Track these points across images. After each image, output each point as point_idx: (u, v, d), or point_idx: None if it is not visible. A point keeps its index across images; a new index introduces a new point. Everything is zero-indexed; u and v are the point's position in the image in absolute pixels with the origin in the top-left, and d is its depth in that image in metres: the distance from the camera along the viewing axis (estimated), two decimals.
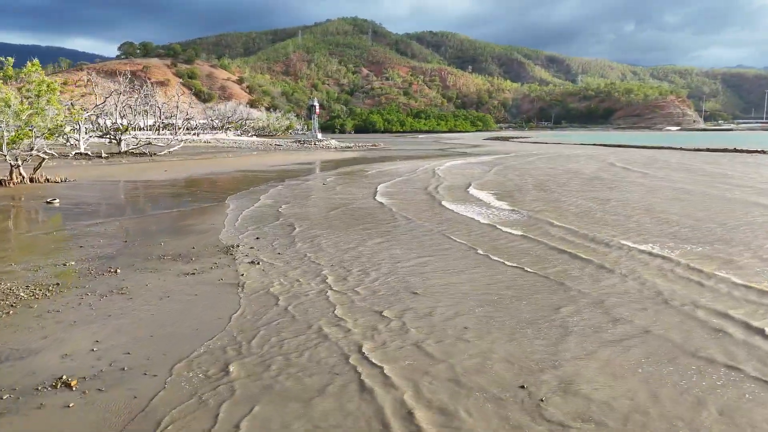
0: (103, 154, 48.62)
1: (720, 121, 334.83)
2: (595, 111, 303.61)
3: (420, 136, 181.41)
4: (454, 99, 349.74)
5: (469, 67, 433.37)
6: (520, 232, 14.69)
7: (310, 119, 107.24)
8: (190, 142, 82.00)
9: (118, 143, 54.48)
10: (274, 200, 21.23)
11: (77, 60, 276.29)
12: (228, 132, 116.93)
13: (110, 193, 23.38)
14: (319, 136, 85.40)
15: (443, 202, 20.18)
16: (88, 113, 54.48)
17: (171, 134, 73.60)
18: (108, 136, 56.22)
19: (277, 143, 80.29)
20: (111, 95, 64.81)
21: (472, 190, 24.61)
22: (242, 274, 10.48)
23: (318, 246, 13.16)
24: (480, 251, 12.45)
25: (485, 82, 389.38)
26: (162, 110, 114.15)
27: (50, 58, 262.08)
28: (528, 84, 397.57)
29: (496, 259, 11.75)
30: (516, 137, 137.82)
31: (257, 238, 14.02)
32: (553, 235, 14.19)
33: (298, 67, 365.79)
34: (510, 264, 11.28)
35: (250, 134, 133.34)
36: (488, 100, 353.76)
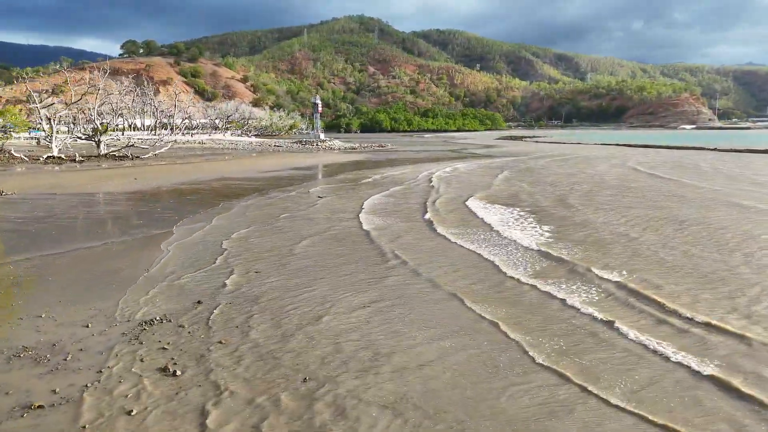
0: (78, 158, 43.68)
1: (734, 119, 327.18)
2: (607, 109, 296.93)
3: (428, 135, 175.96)
4: (462, 97, 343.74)
5: (477, 65, 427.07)
6: (591, 309, 9.01)
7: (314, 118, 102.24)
8: (184, 143, 77.03)
9: (97, 145, 49.55)
10: (231, 224, 16.24)
11: (78, 59, 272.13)
12: (226, 132, 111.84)
13: (43, 212, 18.28)
14: (322, 136, 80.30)
15: (452, 238, 14.71)
16: (62, 113, 49.54)
17: (164, 134, 68.56)
18: (89, 138, 51.27)
19: (277, 144, 75.24)
20: (96, 95, 59.74)
21: (489, 214, 19.07)
22: None
23: (245, 335, 7.79)
24: (539, 358, 7.04)
25: (493, 80, 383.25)
26: (159, 109, 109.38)
27: (57, 58, 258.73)
28: (537, 82, 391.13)
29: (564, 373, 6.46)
30: (528, 137, 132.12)
31: (142, 328, 8.01)
32: (641, 312, 8.92)
33: (304, 65, 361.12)
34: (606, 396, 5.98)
35: (251, 134, 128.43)
36: (497, 99, 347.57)
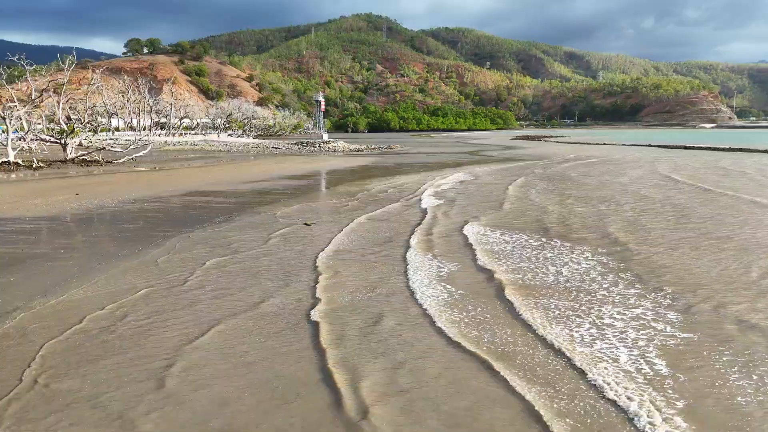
0: (35, 164, 37.21)
1: (752, 118, 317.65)
2: (622, 108, 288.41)
3: (438, 135, 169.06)
4: (471, 96, 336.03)
5: (487, 63, 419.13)
6: None
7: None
8: (175, 145, 70.56)
9: (64, 148, 43.08)
10: (109, 291, 9.59)
11: (84, 59, 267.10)
12: (222, 133, 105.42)
13: None
14: (325, 136, 73.57)
15: (466, 343, 7.78)
16: (20, 112, 43.11)
17: (142, 135, 62.33)
18: (56, 140, 44.82)
19: (275, 145, 68.59)
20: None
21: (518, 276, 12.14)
22: None
23: None
24: None
25: (504, 78, 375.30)
26: (154, 108, 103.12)
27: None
28: (548, 80, 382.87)
29: None
30: (546, 136, 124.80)
31: None
32: None
33: (311, 64, 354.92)
34: None
35: (252, 135, 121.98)
36: (507, 97, 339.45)
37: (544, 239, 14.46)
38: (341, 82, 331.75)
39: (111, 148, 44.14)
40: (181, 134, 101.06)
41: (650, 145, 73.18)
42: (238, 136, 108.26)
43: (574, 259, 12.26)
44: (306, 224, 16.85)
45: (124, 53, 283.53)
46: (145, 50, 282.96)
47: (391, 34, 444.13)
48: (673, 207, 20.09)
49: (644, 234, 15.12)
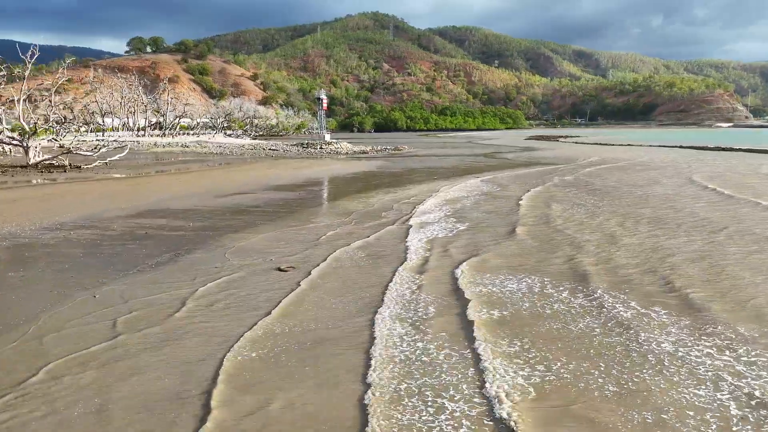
0: None
1: (767, 117, 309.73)
2: (634, 106, 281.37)
3: (447, 134, 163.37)
4: (480, 95, 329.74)
5: (495, 61, 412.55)
6: None
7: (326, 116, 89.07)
8: (164, 146, 65.39)
9: (26, 152, 37.92)
10: None
11: (86, 58, 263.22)
12: (217, 133, 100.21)
13: None
14: (328, 137, 68.11)
15: None
16: None
17: (109, 137, 57.31)
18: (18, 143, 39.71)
19: (273, 147, 63.25)
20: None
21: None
22: None
23: None
24: None
25: (513, 77, 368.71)
26: (149, 107, 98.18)
27: (73, 58, 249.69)
28: (558, 79, 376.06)
29: None
30: (562, 136, 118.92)
31: None
32: None
33: (317, 63, 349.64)
34: None
35: (252, 135, 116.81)
36: (516, 96, 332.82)
37: (586, 300, 9.11)
38: (347, 81, 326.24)
39: (80, 152, 38.88)
40: (178, 134, 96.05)
41: (681, 146, 67.24)
42: (237, 137, 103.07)
43: (653, 353, 6.91)
44: (280, 269, 11.50)
45: (126, 52, 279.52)
46: (149, 49, 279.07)
47: (397, 32, 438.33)
48: (752, 238, 14.62)
49: (739, 290, 9.72)
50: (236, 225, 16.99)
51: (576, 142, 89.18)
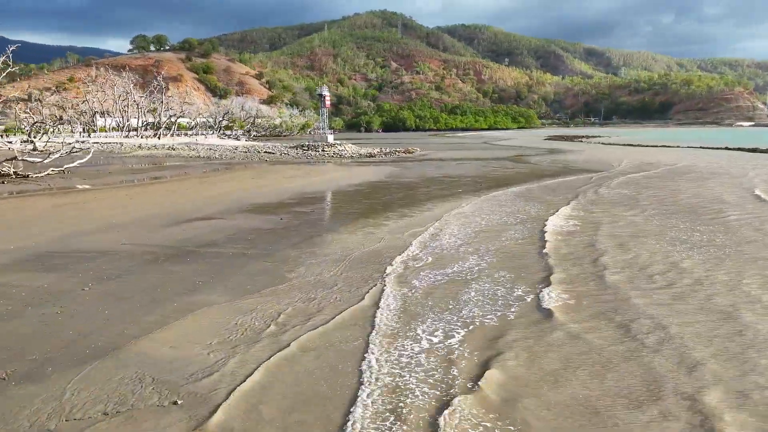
0: None
1: None
2: (650, 105, 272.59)
3: (459, 134, 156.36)
4: (490, 93, 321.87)
5: (506, 59, 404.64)
6: None
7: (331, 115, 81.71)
8: (151, 149, 59.01)
9: None
10: None
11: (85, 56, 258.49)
12: (210, 135, 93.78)
13: None
14: (330, 138, 61.44)
15: None
16: None
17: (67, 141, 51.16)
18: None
19: (270, 149, 56.66)
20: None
21: None
22: None
23: None
24: None
25: (523, 75, 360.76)
26: (143, 106, 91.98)
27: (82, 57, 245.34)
28: (570, 77, 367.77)
29: None
30: (580, 136, 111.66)
31: None
32: None
33: (324, 61, 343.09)
34: None
35: (252, 135, 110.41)
36: (528, 95, 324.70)
37: None
38: (355, 79, 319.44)
39: (26, 158, 32.41)
40: (175, 135, 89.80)
41: (726, 148, 60.03)
42: (235, 138, 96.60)
43: None
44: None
45: (129, 50, 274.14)
46: (152, 48, 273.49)
47: (406, 30, 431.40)
48: None
49: None
50: (158, 292, 10.37)
51: (601, 143, 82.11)
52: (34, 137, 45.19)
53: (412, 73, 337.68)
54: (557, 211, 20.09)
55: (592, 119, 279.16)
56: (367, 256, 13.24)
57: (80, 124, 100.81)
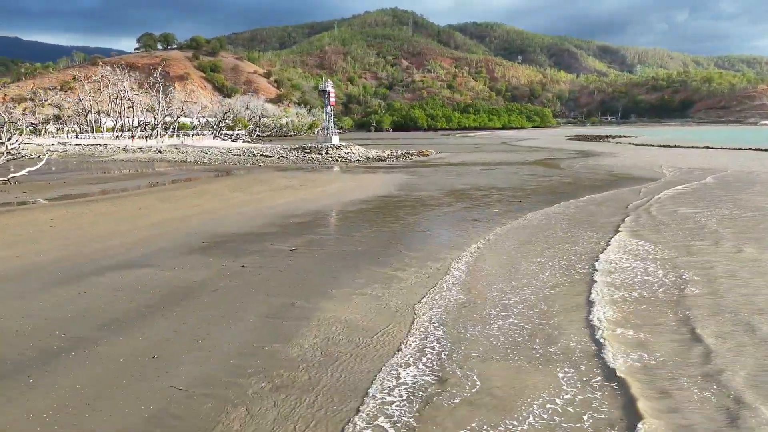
0: None
1: None
2: (669, 103, 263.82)
3: (472, 134, 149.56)
4: (503, 92, 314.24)
5: (519, 57, 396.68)
6: None
7: (336, 113, 74.83)
8: (135, 151, 53.20)
9: None
10: None
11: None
12: (207, 135, 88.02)
13: None
14: (335, 139, 55.21)
15: None
16: None
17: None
18: None
19: (267, 152, 50.52)
20: None
21: None
22: None
23: None
24: None
25: (537, 73, 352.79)
26: (137, 106, 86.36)
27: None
28: (585, 75, 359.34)
29: None
30: (603, 136, 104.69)
31: None
32: None
33: (333, 60, 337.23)
34: None
35: (254, 136, 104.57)
36: (542, 93, 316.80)
37: None
38: (365, 78, 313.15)
39: None
40: (172, 136, 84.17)
41: None
42: (235, 138, 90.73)
43: None
44: None
45: (136, 49, 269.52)
46: (159, 46, 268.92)
47: (417, 28, 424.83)
48: None
49: None
50: None
51: (631, 143, 75.29)
52: (8, 139, 39.62)
53: (423, 71, 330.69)
54: (615, 244, 13.76)
55: (609, 118, 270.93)
56: (364, 363, 7.09)
57: (77, 124, 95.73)
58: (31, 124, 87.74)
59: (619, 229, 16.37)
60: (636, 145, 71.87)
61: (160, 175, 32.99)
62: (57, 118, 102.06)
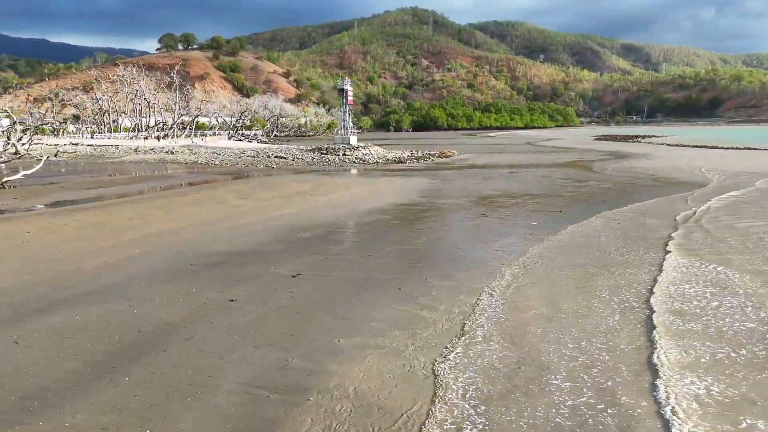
0: None
1: None
2: (697, 102, 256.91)
3: (492, 133, 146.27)
4: (525, 91, 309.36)
5: (541, 56, 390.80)
6: None
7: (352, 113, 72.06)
8: (146, 152, 51.52)
9: None
10: None
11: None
12: (222, 136, 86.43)
13: None
14: (353, 140, 52.85)
15: None
16: None
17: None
18: None
19: (281, 154, 48.32)
20: None
21: None
22: None
23: None
24: None
25: (559, 72, 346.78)
26: (153, 106, 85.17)
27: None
28: (608, 74, 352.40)
29: None
30: (632, 136, 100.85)
31: None
32: None
33: (353, 59, 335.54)
34: None
35: (272, 136, 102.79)
36: (564, 92, 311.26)
37: None
38: (384, 77, 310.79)
39: None
40: (188, 136, 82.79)
41: None
42: (252, 138, 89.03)
43: None
44: None
45: (157, 49, 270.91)
46: (180, 46, 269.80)
47: (437, 27, 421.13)
48: None
49: None
50: None
51: (665, 144, 71.73)
52: (18, 140, 38.11)
53: (444, 70, 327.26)
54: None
55: (634, 117, 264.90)
56: None
57: (95, 124, 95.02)
58: (50, 123, 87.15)
59: (669, 248, 13.74)
60: (669, 145, 68.30)
61: (165, 179, 30.97)
62: (76, 118, 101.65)
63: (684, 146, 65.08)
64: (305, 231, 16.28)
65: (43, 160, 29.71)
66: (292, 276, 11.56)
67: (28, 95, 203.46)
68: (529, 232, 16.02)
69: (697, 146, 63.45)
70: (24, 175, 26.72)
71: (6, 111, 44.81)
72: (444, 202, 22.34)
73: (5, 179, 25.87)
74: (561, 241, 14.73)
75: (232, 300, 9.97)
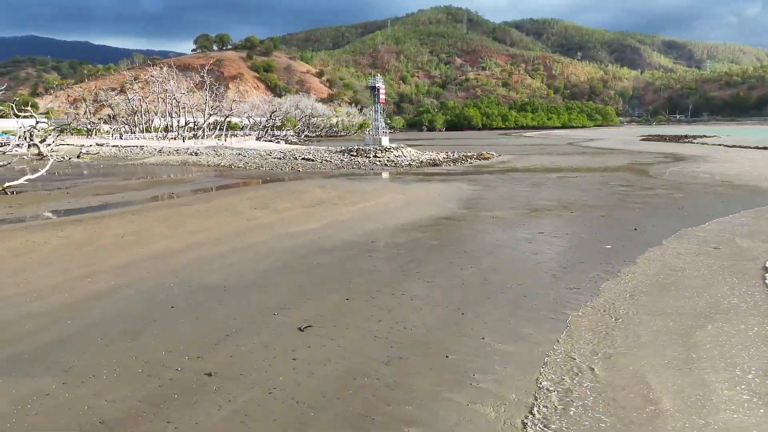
0: None
1: None
2: (745, 100, 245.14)
3: (529, 133, 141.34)
4: (561, 89, 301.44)
5: (578, 54, 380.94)
6: None
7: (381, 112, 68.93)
8: (171, 153, 49.57)
9: None
10: None
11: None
12: (248, 136, 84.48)
13: None
14: (385, 140, 49.84)
15: None
16: None
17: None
18: None
19: (308, 155, 45.63)
20: None
21: None
22: None
23: None
24: None
25: (598, 70, 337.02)
26: (182, 105, 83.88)
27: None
28: (649, 71, 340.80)
29: None
30: (682, 136, 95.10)
31: None
32: None
33: (386, 59, 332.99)
34: None
35: (302, 136, 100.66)
36: (603, 91, 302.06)
37: None
38: (417, 77, 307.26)
39: None
40: (218, 137, 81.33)
41: None
42: (283, 139, 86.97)
43: None
44: None
45: (193, 50, 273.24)
46: (215, 47, 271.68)
47: (471, 26, 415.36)
48: None
49: None
50: None
51: (721, 144, 66.53)
52: (41, 141, 36.53)
53: (478, 69, 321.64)
54: None
55: (678, 116, 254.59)
56: None
57: (126, 124, 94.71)
58: (83, 123, 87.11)
59: None
60: (727, 146, 63.17)
61: (180, 183, 28.54)
62: (112, 118, 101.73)
63: (744, 147, 59.97)
64: (325, 254, 13.31)
65: (49, 163, 27.61)
66: (299, 329, 8.58)
67: (68, 96, 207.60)
68: (603, 259, 12.72)
69: (759, 147, 58.30)
70: (27, 180, 24.57)
71: (37, 116, 43.62)
72: (490, 215, 19.10)
73: (7, 184, 23.74)
74: (644, 275, 11.42)
75: (209, 374, 7.04)
